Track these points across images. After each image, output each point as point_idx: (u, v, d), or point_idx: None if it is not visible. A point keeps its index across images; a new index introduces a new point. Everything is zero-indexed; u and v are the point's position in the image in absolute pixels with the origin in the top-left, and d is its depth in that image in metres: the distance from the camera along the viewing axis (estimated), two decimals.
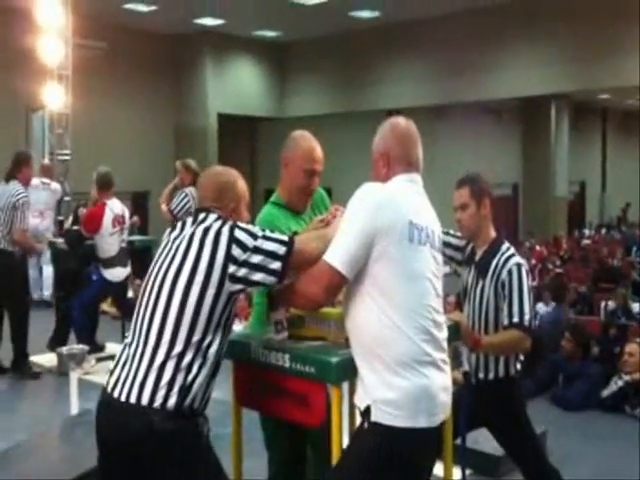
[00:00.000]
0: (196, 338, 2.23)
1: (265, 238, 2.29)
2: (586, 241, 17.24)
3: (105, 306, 8.50)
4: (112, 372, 2.35)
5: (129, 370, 2.28)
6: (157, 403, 2.20)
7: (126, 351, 2.34)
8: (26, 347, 6.22)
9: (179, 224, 2.44)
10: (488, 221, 3.22)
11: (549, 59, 12.71)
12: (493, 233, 3.23)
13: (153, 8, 12.52)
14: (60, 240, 7.50)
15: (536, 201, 18.53)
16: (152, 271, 2.37)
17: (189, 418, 2.25)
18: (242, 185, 2.51)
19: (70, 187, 10.05)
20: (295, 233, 2.65)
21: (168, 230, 2.48)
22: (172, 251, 2.33)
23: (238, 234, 2.27)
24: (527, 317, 3.04)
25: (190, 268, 2.25)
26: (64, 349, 6.17)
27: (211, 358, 2.27)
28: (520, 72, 13.01)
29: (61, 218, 9.42)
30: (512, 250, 3.17)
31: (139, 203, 13.99)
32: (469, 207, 3.17)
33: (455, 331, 2.75)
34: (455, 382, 2.43)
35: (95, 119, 12.55)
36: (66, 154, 10.10)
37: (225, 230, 2.28)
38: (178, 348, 2.22)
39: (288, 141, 3.01)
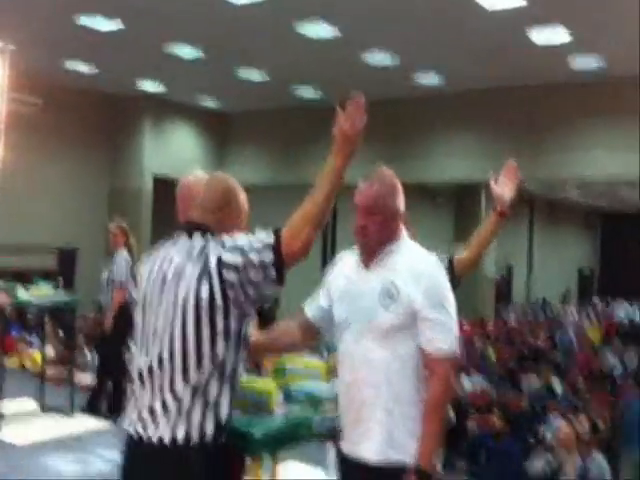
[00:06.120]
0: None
1: (253, 250, 2.13)
2: (511, 323, 17.59)
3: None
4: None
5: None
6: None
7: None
8: None
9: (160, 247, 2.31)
10: None
11: (480, 149, 13.22)
12: None
13: (94, 69, 12.48)
14: None
15: (465, 280, 18.76)
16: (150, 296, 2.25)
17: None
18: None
19: None
20: None
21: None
22: (164, 283, 2.21)
23: (226, 258, 2.13)
24: None
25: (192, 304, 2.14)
26: None
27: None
28: (453, 159, 13.47)
29: None
30: None
31: (67, 260, 13.68)
32: None
33: None
34: None
35: (26, 174, 12.30)
36: None
37: (213, 259, 2.14)
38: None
39: None
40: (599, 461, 6.01)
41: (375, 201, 2.38)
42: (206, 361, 2.14)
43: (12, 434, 5.78)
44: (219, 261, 2.14)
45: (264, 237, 2.16)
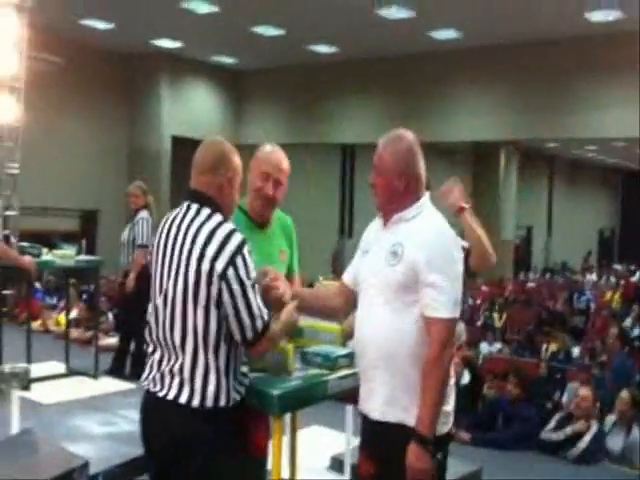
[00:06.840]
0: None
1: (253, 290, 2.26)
2: (531, 284, 17.51)
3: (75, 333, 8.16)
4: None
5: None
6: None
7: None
8: None
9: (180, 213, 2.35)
10: None
11: (499, 108, 13.06)
12: None
13: (110, 26, 12.43)
14: None
15: None
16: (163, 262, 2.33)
17: None
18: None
19: (17, 202, 9.84)
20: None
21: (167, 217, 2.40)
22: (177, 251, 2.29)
23: (238, 261, 2.23)
24: None
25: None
26: (6, 367, 5.86)
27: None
28: (471, 118, 13.31)
29: (7, 232, 9.12)
30: None
31: (88, 222, 13.74)
32: None
33: None
34: None
35: (47, 134, 12.34)
36: (15, 167, 9.82)
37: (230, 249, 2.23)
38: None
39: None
40: (636, 437, 5.82)
41: (380, 161, 2.41)
42: (205, 330, 2.24)
43: (41, 395, 5.84)
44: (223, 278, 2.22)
45: (263, 310, 2.29)
